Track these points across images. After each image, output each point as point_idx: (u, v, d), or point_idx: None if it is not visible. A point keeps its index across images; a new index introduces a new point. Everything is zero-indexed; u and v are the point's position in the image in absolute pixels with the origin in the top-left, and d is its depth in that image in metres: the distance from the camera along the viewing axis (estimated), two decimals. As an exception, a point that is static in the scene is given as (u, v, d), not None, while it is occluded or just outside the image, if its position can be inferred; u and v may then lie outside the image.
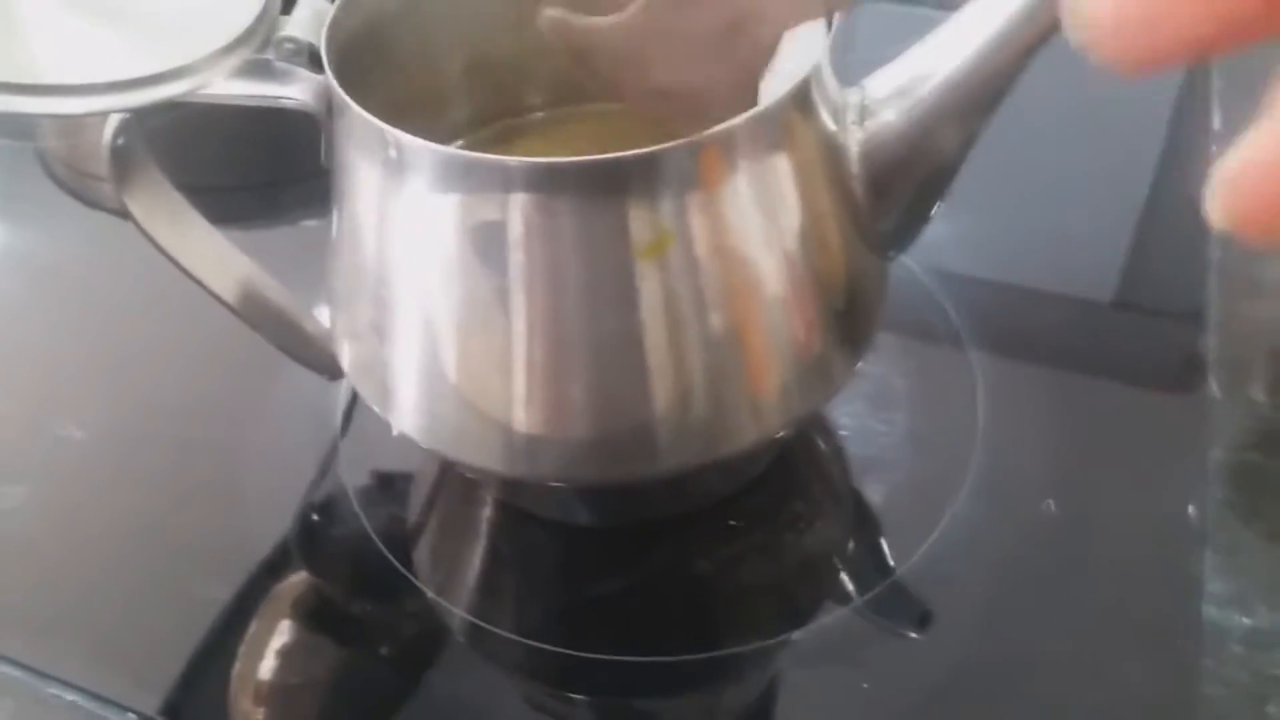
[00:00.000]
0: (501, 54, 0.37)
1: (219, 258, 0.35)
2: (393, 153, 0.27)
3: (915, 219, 0.31)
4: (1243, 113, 0.13)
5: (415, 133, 0.27)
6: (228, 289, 0.35)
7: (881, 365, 0.40)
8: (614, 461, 0.29)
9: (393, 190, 0.28)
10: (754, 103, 0.27)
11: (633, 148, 0.25)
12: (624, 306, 0.27)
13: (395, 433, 0.32)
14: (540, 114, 0.39)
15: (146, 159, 0.33)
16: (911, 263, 0.43)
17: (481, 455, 0.30)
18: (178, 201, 0.34)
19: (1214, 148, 0.47)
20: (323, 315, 0.35)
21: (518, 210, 0.26)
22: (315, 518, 0.38)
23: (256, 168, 0.55)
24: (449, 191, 0.27)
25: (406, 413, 0.31)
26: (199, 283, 0.35)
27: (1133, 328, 0.43)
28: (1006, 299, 0.44)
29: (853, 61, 0.31)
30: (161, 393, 0.44)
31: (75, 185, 0.54)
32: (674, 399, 0.28)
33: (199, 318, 0.38)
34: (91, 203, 0.53)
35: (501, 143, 0.38)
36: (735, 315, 0.28)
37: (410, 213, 0.28)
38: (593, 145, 0.37)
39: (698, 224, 0.26)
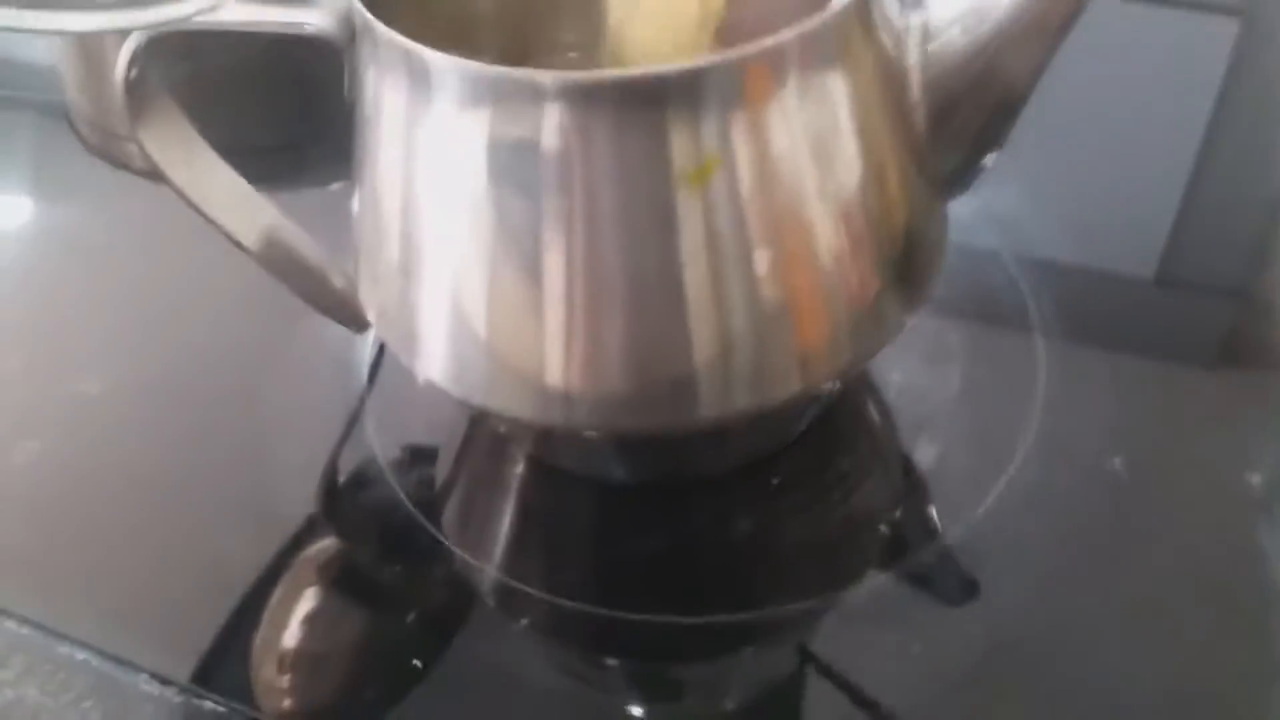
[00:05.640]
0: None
1: (239, 201, 0.33)
2: (419, 73, 0.25)
3: (977, 155, 0.29)
4: None
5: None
6: (248, 234, 0.33)
7: (934, 319, 0.38)
8: (652, 410, 0.28)
9: (419, 117, 0.26)
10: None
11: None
12: (664, 239, 0.25)
13: (421, 381, 0.30)
14: (573, 54, 0.37)
15: (162, 93, 0.31)
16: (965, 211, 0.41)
17: (512, 403, 0.29)
18: (195, 140, 0.33)
19: None
20: (348, 266, 0.34)
21: (552, 131, 0.24)
22: (341, 478, 0.37)
23: (280, 128, 0.53)
24: (478, 111, 0.25)
25: (434, 358, 0.29)
26: (217, 226, 0.33)
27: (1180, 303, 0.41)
28: (1070, 262, 0.42)
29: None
30: (183, 348, 0.42)
31: (101, 145, 0.53)
32: (715, 343, 0.26)
33: (219, 273, 0.37)
34: (117, 163, 0.51)
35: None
36: (783, 253, 0.26)
37: (437, 139, 0.26)
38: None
39: (746, 150, 0.24)
